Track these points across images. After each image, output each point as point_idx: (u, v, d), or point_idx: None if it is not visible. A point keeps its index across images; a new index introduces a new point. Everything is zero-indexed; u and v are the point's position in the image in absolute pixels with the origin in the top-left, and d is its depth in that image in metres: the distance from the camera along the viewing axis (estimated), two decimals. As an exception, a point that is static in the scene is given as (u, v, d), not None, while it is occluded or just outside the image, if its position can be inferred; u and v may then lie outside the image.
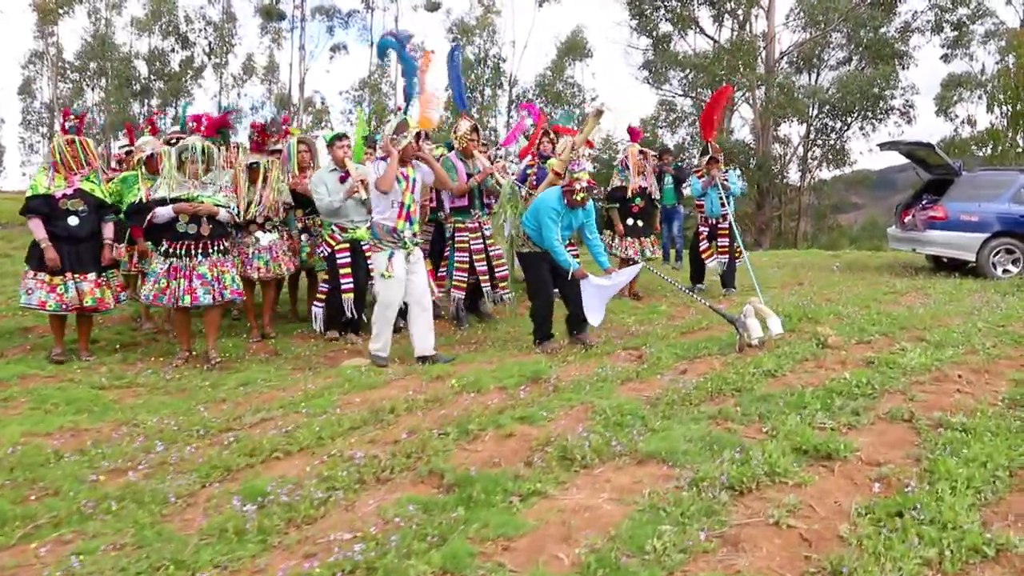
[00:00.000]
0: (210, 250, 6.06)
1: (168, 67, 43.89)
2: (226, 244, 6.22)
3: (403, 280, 5.91)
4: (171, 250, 6.00)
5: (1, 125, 43.05)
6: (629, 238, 8.79)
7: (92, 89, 43.52)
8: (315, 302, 7.11)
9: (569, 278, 6.19)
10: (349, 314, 6.82)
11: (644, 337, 6.61)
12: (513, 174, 8.25)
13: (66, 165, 5.99)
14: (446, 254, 7.67)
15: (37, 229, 5.93)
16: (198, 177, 6.06)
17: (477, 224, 7.54)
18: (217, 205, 6.06)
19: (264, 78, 46.22)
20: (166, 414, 4.65)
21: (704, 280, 9.51)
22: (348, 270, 6.80)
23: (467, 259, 7.49)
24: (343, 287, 6.81)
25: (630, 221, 8.80)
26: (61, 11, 42.85)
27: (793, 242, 30.77)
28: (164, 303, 6.00)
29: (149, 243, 6.64)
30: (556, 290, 6.46)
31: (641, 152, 8.76)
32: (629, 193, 8.71)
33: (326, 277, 7.07)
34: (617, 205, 8.93)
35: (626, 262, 8.47)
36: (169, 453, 3.92)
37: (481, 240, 7.54)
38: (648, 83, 34.56)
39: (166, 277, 5.94)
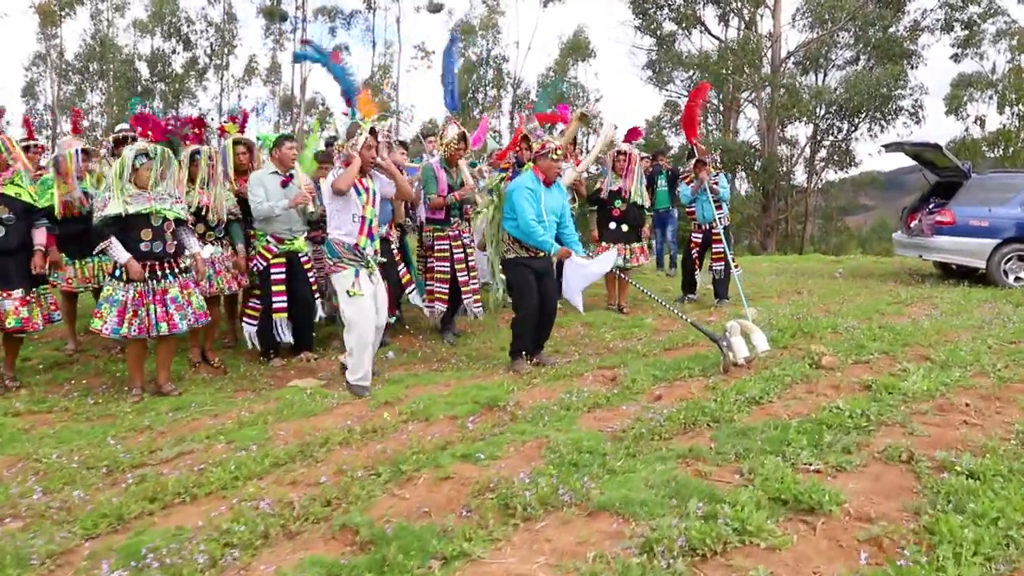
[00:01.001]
0: (176, 269, 5.37)
1: (170, 68, 43.62)
2: (187, 262, 5.53)
3: (372, 298, 5.33)
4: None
5: (7, 127, 42.45)
6: (606, 243, 8.16)
7: (91, 91, 43.20)
8: (245, 318, 6.35)
9: (553, 258, 5.84)
10: (279, 338, 6.18)
11: (622, 355, 6.08)
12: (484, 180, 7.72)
13: None
14: (430, 263, 7.07)
15: None
16: (149, 187, 5.26)
17: (457, 232, 6.97)
18: (177, 217, 5.40)
19: (267, 79, 45.96)
20: (76, 446, 4.17)
21: (696, 290, 8.96)
22: (282, 287, 6.13)
23: (448, 269, 6.93)
24: (275, 306, 6.10)
25: (612, 225, 8.23)
26: (62, 13, 42.71)
27: (800, 245, 30.13)
28: (134, 334, 5.14)
29: (63, 255, 6.07)
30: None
31: (621, 153, 8.20)
32: (604, 194, 8.17)
33: (257, 293, 6.33)
34: (595, 208, 8.39)
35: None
36: (56, 497, 3.43)
37: (462, 249, 6.97)
38: (652, 83, 34.03)
39: (133, 304, 5.14)
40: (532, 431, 4.08)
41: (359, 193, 5.26)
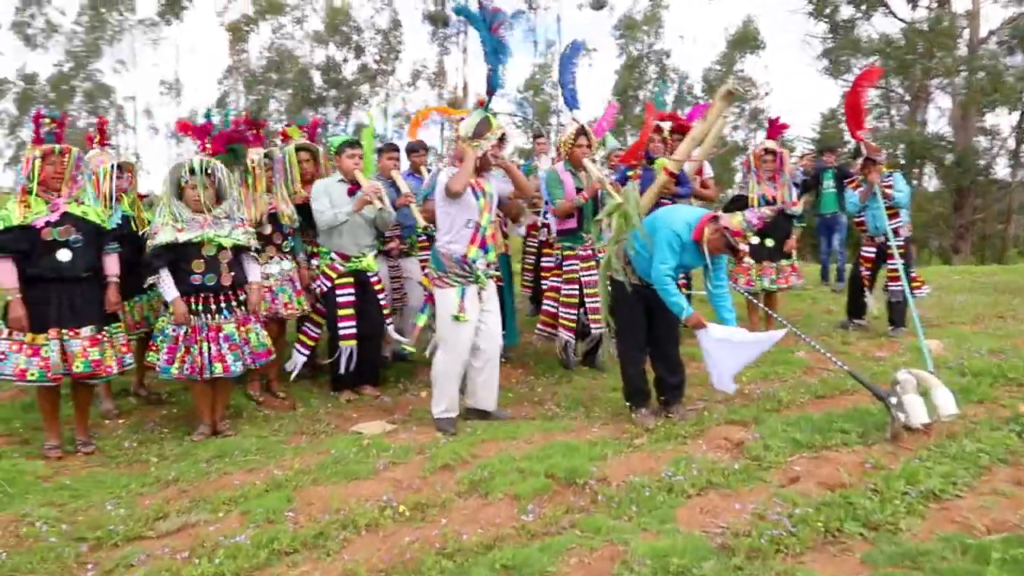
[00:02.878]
0: (233, 303, 4.75)
1: (340, 76, 45.46)
2: (245, 295, 4.85)
3: (475, 323, 4.67)
4: (188, 306, 4.62)
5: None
6: (749, 260, 6.90)
7: (268, 101, 45.74)
8: (297, 344, 5.62)
9: (683, 325, 4.51)
10: (342, 367, 5.42)
11: (759, 404, 4.85)
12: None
13: (45, 185, 4.43)
14: (553, 284, 6.15)
15: (6, 274, 4.24)
16: (205, 210, 4.68)
17: (590, 251, 6.00)
18: (236, 245, 4.75)
19: (433, 83, 46.85)
20: (80, 506, 3.60)
21: (866, 315, 7.43)
22: (350, 311, 5.38)
23: (577, 292, 5.95)
24: (342, 332, 5.36)
25: (754, 240, 6.91)
26: (247, 28, 45.61)
27: (1000, 250, 26.51)
28: (186, 374, 4.60)
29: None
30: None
31: (768, 152, 6.86)
32: (750, 203, 6.86)
33: (315, 318, 5.61)
34: None
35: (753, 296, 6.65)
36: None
37: (595, 270, 5.97)
38: (828, 74, 31.29)
39: (185, 343, 4.58)
40: (610, 529, 3.05)
41: (476, 196, 4.59)
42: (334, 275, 5.40)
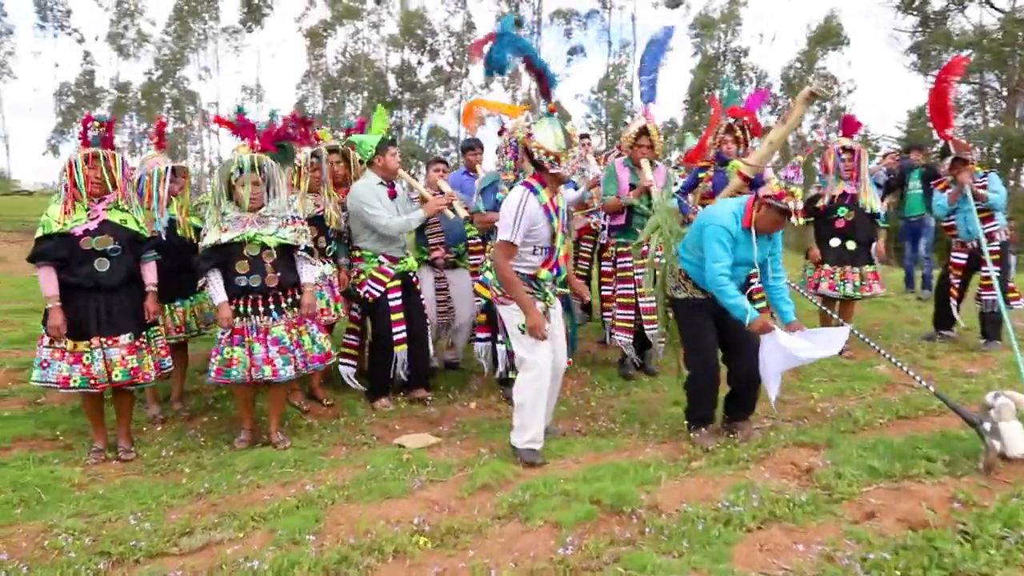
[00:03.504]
0: (283, 304, 4.55)
1: (415, 79, 45.93)
2: (298, 295, 4.63)
3: (551, 338, 4.15)
4: (235, 308, 4.48)
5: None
6: (830, 266, 6.48)
7: (344, 104, 46.51)
8: (342, 359, 5.45)
9: (747, 326, 4.05)
10: (402, 373, 5.27)
11: (832, 425, 4.45)
12: (676, 184, 6.31)
13: (87, 190, 4.32)
14: (609, 285, 5.89)
15: (47, 282, 4.21)
16: (254, 208, 4.52)
17: (646, 248, 5.68)
18: (283, 244, 4.53)
19: (508, 85, 46.87)
20: (108, 518, 3.49)
21: (955, 327, 6.85)
22: (401, 315, 5.23)
23: (632, 292, 5.66)
24: (396, 336, 5.20)
25: (834, 242, 6.48)
26: (325, 33, 46.57)
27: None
28: (233, 378, 4.45)
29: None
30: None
31: (846, 150, 6.38)
32: (826, 202, 6.40)
33: (354, 326, 5.46)
34: (812, 219, 6.66)
35: (827, 303, 6.17)
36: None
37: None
38: (916, 70, 29.89)
39: (230, 345, 4.45)
40: (656, 567, 2.74)
41: (551, 218, 4.04)
42: (387, 279, 5.22)
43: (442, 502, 3.52)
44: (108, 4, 45.73)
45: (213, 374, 4.49)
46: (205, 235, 4.53)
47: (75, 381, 4.23)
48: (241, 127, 4.72)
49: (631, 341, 5.74)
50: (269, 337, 4.46)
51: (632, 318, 5.67)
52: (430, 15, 45.57)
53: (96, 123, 4.48)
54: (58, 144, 46.00)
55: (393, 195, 5.21)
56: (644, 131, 5.53)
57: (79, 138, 4.51)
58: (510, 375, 4.92)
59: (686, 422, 4.39)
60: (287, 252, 4.57)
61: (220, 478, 4.00)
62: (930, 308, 7.30)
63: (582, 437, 4.57)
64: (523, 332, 4.02)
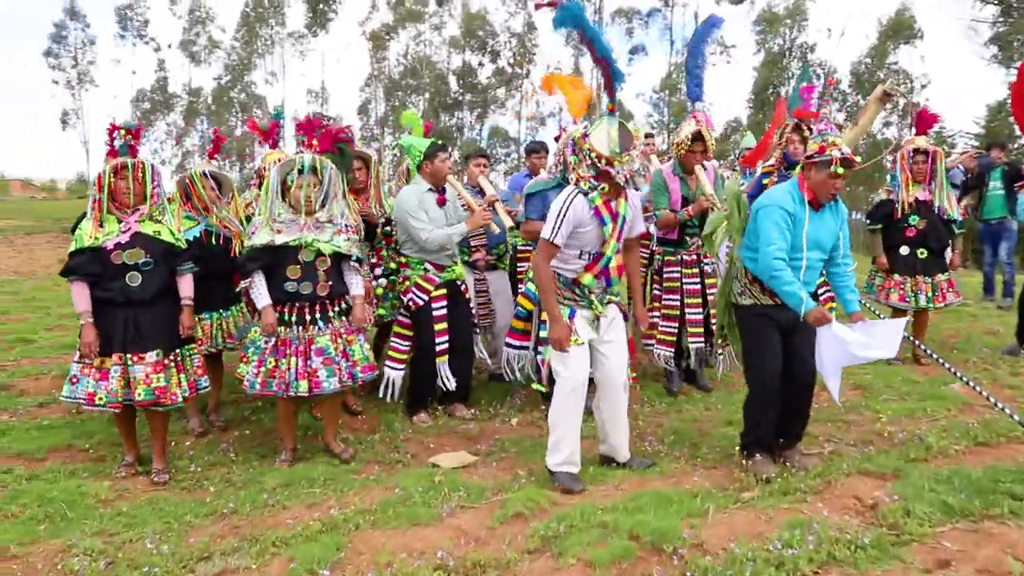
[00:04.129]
0: (330, 313, 4.36)
1: (476, 80, 46.04)
2: (347, 303, 4.46)
3: (588, 354, 3.91)
4: (280, 315, 4.27)
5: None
6: (900, 276, 6.05)
7: (406, 106, 46.89)
8: (389, 362, 5.20)
9: (802, 319, 3.66)
10: (443, 384, 5.07)
11: (901, 451, 4.07)
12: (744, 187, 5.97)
13: (117, 202, 4.21)
14: (656, 294, 5.60)
15: (79, 298, 4.11)
16: (310, 211, 4.30)
17: (695, 256, 5.41)
18: (337, 252, 4.34)
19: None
20: (128, 539, 3.40)
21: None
22: (444, 325, 5.02)
23: (678, 303, 5.38)
24: (438, 348, 4.99)
25: (904, 250, 6.03)
26: (387, 37, 47.06)
27: None
28: (273, 391, 4.24)
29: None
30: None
31: (920, 151, 5.92)
32: (900, 210, 5.96)
33: (404, 332, 5.18)
34: (880, 227, 6.22)
35: (898, 315, 5.75)
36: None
37: (698, 279, 5.41)
38: (997, 62, 28.50)
39: (273, 355, 4.23)
40: (695, 620, 2.48)
41: (603, 221, 3.81)
42: (431, 287, 5.03)
43: (471, 531, 3.31)
44: (181, 12, 47.22)
45: (258, 386, 4.25)
46: (252, 234, 4.32)
47: (100, 399, 4.09)
48: (304, 126, 4.50)
49: (671, 354, 5.44)
50: (313, 348, 4.24)
51: (675, 331, 5.37)
52: (491, 16, 45.62)
53: (122, 131, 4.28)
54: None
55: (442, 202, 5.03)
56: (698, 136, 5.18)
57: (107, 146, 4.31)
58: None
59: (739, 446, 4.06)
60: (338, 261, 4.39)
61: (246, 497, 3.87)
62: (1012, 318, 6.77)
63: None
64: (575, 343, 3.81)
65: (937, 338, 6.92)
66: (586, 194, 3.76)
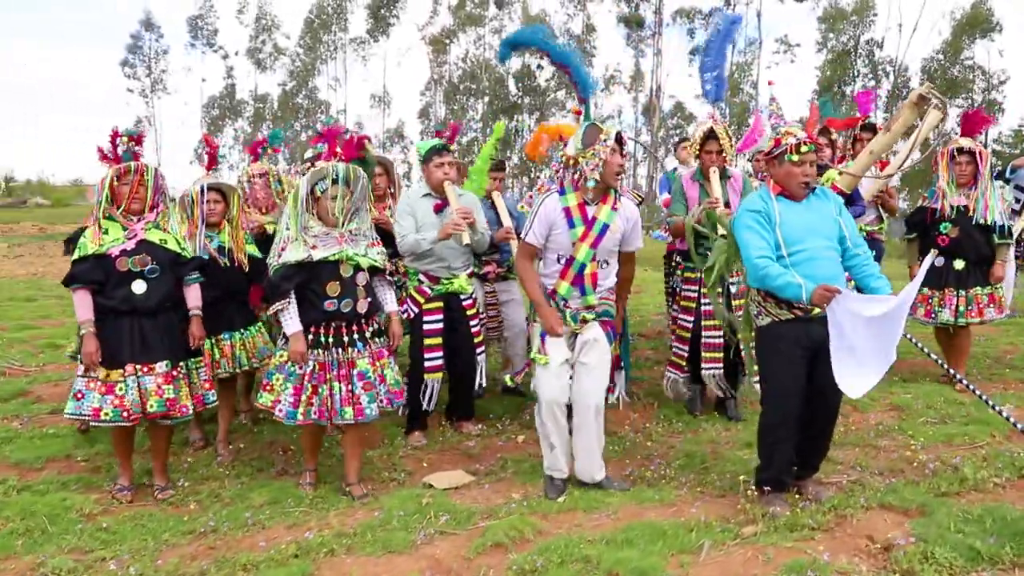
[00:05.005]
0: (367, 333, 4.07)
1: (535, 82, 45.93)
2: (380, 322, 4.22)
3: (564, 372, 3.84)
4: (316, 337, 3.94)
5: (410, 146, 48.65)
6: (928, 289, 5.57)
7: (466, 110, 47.07)
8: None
9: (806, 301, 3.29)
10: (425, 404, 4.77)
11: (930, 484, 3.70)
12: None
13: (124, 209, 4.03)
14: (673, 313, 5.31)
15: (81, 307, 3.93)
16: (338, 224, 3.97)
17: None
18: (373, 266, 4.07)
19: (630, 87, 46.11)
20: (97, 556, 3.32)
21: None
22: (438, 340, 4.76)
23: (691, 324, 5.03)
24: (426, 364, 4.72)
25: (939, 261, 5.56)
26: (447, 41, 47.38)
27: None
28: (313, 419, 3.90)
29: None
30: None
31: (964, 152, 5.45)
32: (939, 215, 5.52)
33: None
34: (915, 235, 5.78)
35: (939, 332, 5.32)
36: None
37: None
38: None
39: (312, 381, 3.90)
40: None
41: (572, 223, 3.78)
42: (422, 300, 4.78)
43: (445, 562, 3.12)
44: (248, 20, 48.48)
45: (299, 416, 3.88)
46: (283, 250, 3.93)
47: (106, 413, 3.87)
48: (328, 135, 4.23)
49: (680, 376, 5.12)
50: (355, 372, 3.94)
51: (685, 353, 5.03)
52: (550, 19, 45.45)
53: (124, 137, 4.11)
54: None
55: (439, 208, 4.75)
56: (711, 135, 4.86)
57: (110, 154, 4.10)
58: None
59: (755, 482, 3.66)
60: (372, 275, 4.13)
61: (229, 515, 3.77)
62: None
63: (619, 490, 3.99)
64: (536, 363, 3.88)
65: (993, 353, 6.43)
66: (562, 194, 3.81)
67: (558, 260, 3.84)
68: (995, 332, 7.28)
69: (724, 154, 4.86)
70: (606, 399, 4.05)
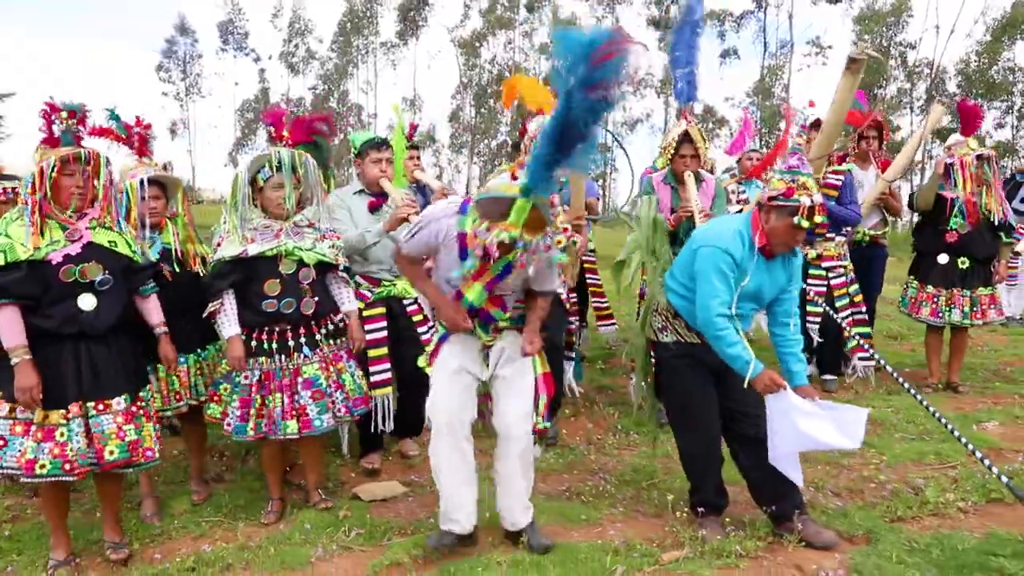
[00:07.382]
0: (318, 336, 3.69)
1: (565, 85, 45.68)
2: (335, 323, 3.79)
3: (465, 384, 3.17)
4: (260, 344, 3.55)
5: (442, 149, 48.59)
6: (934, 288, 5.37)
7: (495, 113, 46.90)
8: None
9: (745, 385, 3.05)
10: (380, 424, 4.19)
11: (886, 507, 3.39)
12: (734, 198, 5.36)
13: (60, 203, 3.13)
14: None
15: (9, 329, 2.98)
16: (286, 216, 3.61)
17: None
18: (322, 262, 3.66)
19: (660, 90, 45.60)
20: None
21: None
22: (382, 351, 4.18)
23: None
24: (374, 379, 4.11)
25: (943, 258, 5.32)
26: (477, 44, 47.32)
27: None
28: (264, 432, 3.49)
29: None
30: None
31: (983, 158, 5.21)
32: (956, 208, 5.26)
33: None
34: (923, 220, 5.57)
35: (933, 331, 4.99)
36: None
37: None
38: None
39: (260, 392, 3.52)
40: None
41: (464, 255, 2.98)
42: (362, 305, 4.21)
43: (339, 581, 2.91)
44: (281, 25, 48.97)
45: (250, 431, 3.49)
46: (218, 246, 3.57)
47: (43, 466, 2.97)
48: (271, 116, 3.86)
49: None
50: (300, 379, 3.54)
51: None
52: (581, 22, 45.15)
53: (63, 113, 3.17)
54: (237, 156, 49.89)
55: (374, 206, 4.33)
56: (686, 137, 4.54)
57: (45, 134, 3.16)
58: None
59: (691, 500, 3.41)
60: (323, 273, 3.73)
61: (138, 525, 3.58)
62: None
63: (564, 501, 3.75)
64: (423, 369, 3.29)
65: (991, 365, 6.05)
66: (462, 213, 2.92)
67: (449, 283, 3.08)
68: (1001, 342, 6.87)
69: (699, 157, 4.55)
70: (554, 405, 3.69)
